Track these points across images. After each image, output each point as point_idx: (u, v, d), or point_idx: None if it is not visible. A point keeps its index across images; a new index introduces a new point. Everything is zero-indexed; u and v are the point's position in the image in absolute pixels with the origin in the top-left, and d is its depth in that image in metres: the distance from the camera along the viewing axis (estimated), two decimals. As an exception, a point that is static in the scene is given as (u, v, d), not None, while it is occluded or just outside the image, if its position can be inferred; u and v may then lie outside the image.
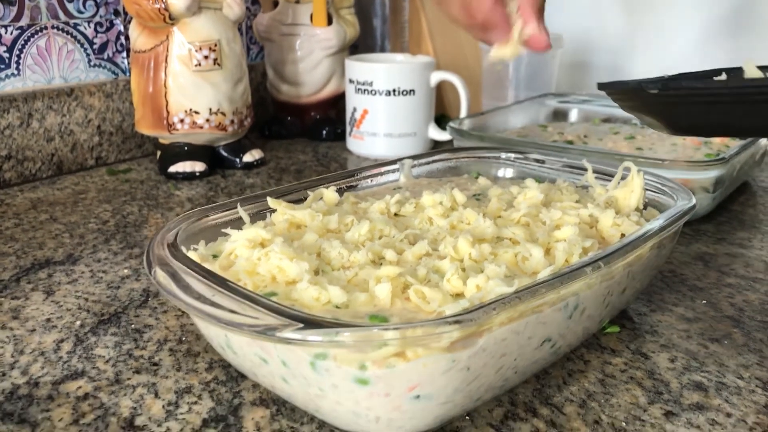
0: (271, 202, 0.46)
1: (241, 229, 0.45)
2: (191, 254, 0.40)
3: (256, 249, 0.39)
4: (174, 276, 0.35)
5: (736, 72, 0.46)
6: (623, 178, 0.50)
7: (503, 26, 0.51)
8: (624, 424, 0.37)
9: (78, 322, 0.47)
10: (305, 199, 0.49)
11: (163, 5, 0.73)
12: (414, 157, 0.56)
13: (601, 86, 0.45)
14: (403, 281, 0.36)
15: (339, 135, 0.97)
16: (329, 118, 0.98)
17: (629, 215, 0.45)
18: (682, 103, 0.41)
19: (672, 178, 0.62)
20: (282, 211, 0.45)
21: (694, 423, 0.37)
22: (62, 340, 0.45)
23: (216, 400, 0.39)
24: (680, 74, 0.46)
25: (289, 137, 0.99)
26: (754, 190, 0.76)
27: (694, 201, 0.45)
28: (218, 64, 0.77)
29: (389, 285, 0.35)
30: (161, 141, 0.81)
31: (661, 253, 0.44)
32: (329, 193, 0.49)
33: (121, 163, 0.86)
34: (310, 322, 0.30)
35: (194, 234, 0.43)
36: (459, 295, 0.36)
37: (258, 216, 0.47)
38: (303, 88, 0.96)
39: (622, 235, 0.43)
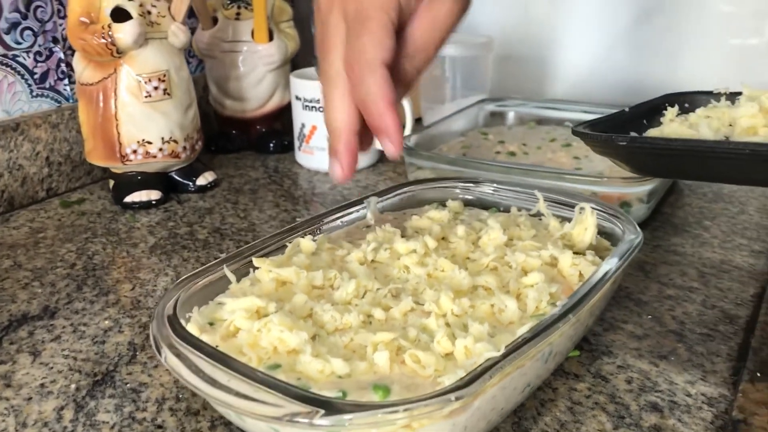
0: (256, 261, 0.48)
1: (228, 289, 0.48)
2: (191, 327, 0.42)
3: (254, 320, 0.42)
4: (185, 360, 0.37)
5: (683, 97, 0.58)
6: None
7: (394, 130, 0.44)
8: (595, 452, 0.42)
9: (73, 386, 0.49)
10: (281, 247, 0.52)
11: (109, 40, 0.73)
12: (378, 194, 0.60)
13: (576, 133, 0.52)
14: (397, 345, 0.40)
15: (286, 147, 0.99)
16: (275, 131, 1.00)
17: (584, 253, 0.50)
18: (644, 153, 0.49)
19: (610, 192, 0.68)
20: (267, 270, 0.48)
21: (655, 445, 0.42)
22: (62, 408, 0.47)
23: (226, 460, 0.42)
24: (637, 106, 0.55)
25: (235, 151, 1.00)
26: (681, 189, 0.83)
27: (641, 235, 0.50)
28: (168, 94, 0.78)
29: (387, 353, 0.38)
30: (114, 170, 0.81)
31: (615, 285, 0.49)
32: (306, 243, 0.52)
33: (73, 193, 0.85)
34: (331, 407, 0.33)
35: (185, 301, 0.45)
36: (449, 355, 0.39)
37: (241, 271, 0.49)
38: (247, 103, 0.97)
39: (581, 274, 0.48)
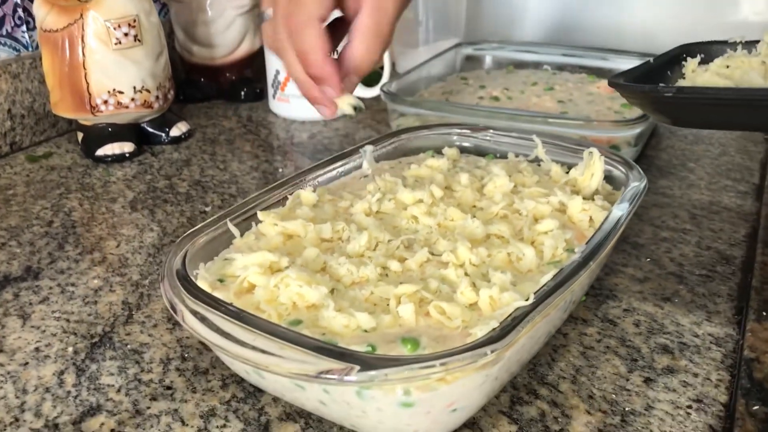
0: (261, 215, 0.46)
1: (232, 244, 0.46)
2: (201, 284, 0.40)
3: (268, 275, 0.40)
4: (205, 320, 0.36)
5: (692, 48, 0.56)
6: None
7: (334, 80, 0.48)
8: (614, 396, 0.42)
9: (70, 349, 0.47)
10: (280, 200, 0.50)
11: (75, -18, 0.68)
12: (373, 143, 0.58)
13: (613, 85, 0.50)
14: (420, 297, 0.39)
15: (258, 95, 0.95)
16: (246, 79, 0.96)
17: (593, 198, 0.49)
18: (690, 104, 0.47)
19: (599, 136, 0.67)
20: (272, 223, 0.46)
21: (670, 387, 0.43)
22: (62, 372, 0.45)
23: (243, 420, 0.41)
24: (658, 57, 0.53)
25: (205, 100, 0.97)
26: (661, 132, 0.83)
27: (646, 180, 0.50)
28: (139, 41, 0.74)
29: (411, 305, 0.37)
30: (82, 122, 0.77)
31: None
32: (307, 195, 0.50)
33: (38, 147, 0.81)
34: (366, 363, 0.32)
35: (189, 259, 0.43)
36: (473, 305, 0.39)
37: (241, 226, 0.47)
38: (216, 50, 0.93)
39: (591, 219, 0.48)
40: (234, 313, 0.36)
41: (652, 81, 0.52)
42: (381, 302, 0.39)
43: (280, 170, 0.74)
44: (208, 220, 0.46)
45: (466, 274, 0.41)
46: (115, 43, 0.73)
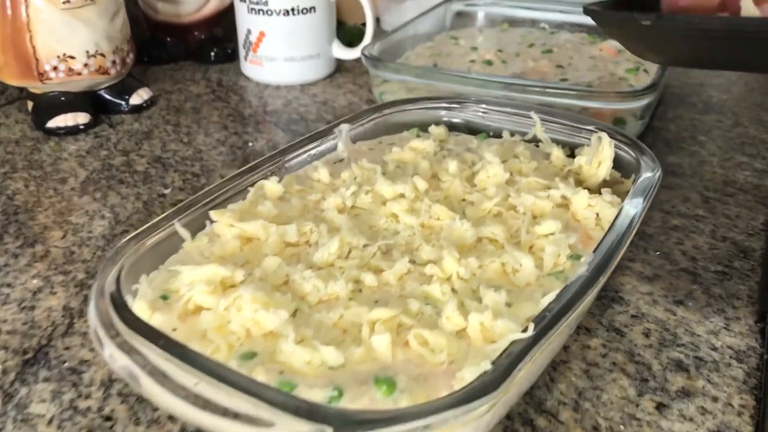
0: (214, 215, 0.40)
1: (182, 248, 0.40)
2: (139, 305, 0.34)
3: (219, 294, 0.34)
4: (137, 359, 0.30)
5: None
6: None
7: None
8: (622, 427, 0.37)
9: (-1, 368, 0.41)
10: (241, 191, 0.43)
11: (12, -67, 0.60)
12: (349, 120, 0.51)
13: (589, 12, 0.43)
14: (397, 321, 0.33)
15: (230, 56, 0.88)
16: (216, 38, 0.88)
17: (600, 191, 0.43)
18: (673, 36, 0.40)
19: (602, 108, 0.60)
20: (228, 224, 0.39)
21: (686, 415, 0.37)
22: (-13, 398, 0.39)
23: (193, 461, 0.35)
24: None
25: (171, 61, 0.89)
26: (668, 99, 0.76)
27: (660, 168, 0.43)
28: (90, -1, 0.66)
29: (388, 336, 0.31)
30: (32, 90, 0.69)
31: (632, 227, 0.43)
32: (271, 187, 0.44)
33: (-16, 116, 0.74)
34: (340, 424, 0.26)
35: (130, 269, 0.37)
36: (461, 332, 0.33)
37: (195, 223, 0.41)
38: (183, 7, 0.85)
39: (598, 217, 0.41)
40: (173, 350, 0.30)
41: (639, 7, 0.44)
42: (352, 327, 0.33)
43: (250, 144, 0.67)
44: (152, 222, 0.39)
45: (453, 290, 0.35)
46: (64, 2, 0.64)
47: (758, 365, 0.40)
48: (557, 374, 0.40)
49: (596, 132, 0.47)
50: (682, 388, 0.39)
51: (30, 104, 0.71)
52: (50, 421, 0.37)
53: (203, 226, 0.41)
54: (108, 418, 0.37)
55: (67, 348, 0.42)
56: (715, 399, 0.38)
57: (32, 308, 0.45)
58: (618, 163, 0.47)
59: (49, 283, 0.48)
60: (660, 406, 0.38)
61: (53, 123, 0.69)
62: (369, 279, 0.36)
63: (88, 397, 0.39)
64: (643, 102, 0.61)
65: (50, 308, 0.46)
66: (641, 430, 0.36)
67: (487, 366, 0.28)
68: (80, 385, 0.39)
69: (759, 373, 0.40)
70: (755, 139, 0.67)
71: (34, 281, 0.48)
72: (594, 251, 0.36)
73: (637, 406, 0.38)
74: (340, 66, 0.86)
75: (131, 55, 0.73)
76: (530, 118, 0.51)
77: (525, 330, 0.30)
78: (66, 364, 0.41)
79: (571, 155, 0.49)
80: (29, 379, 0.40)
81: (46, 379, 0.40)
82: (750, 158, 0.63)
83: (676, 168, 0.62)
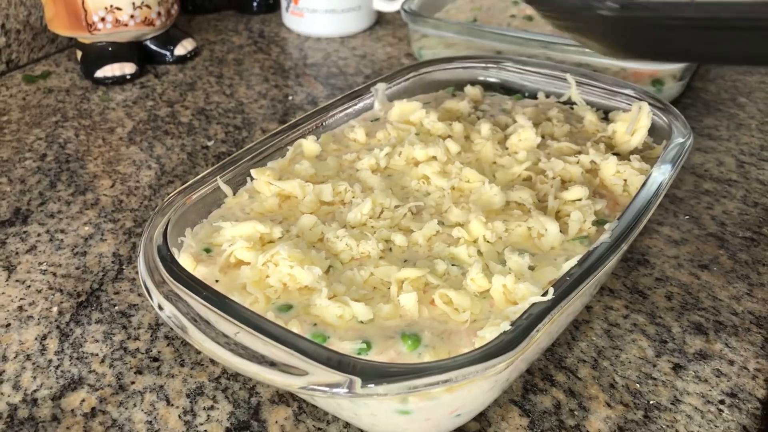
0: (255, 173, 0.42)
1: (224, 203, 0.42)
2: (184, 257, 0.37)
3: (258, 249, 0.36)
4: (183, 309, 0.32)
5: None
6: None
7: None
8: (638, 386, 0.38)
9: (55, 309, 0.44)
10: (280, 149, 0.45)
11: None
12: (387, 80, 0.52)
13: (530, 1, 0.35)
14: (424, 281, 0.35)
15: (272, 6, 0.89)
16: (259, -12, 0.89)
17: (628, 157, 0.43)
18: (640, 28, 0.33)
19: (641, 68, 0.60)
20: (267, 183, 0.41)
21: (702, 376, 0.39)
22: (45, 336, 0.42)
23: (232, 401, 0.38)
24: None
25: (215, 11, 0.90)
26: (711, 58, 0.75)
27: (691, 135, 0.44)
28: (136, -50, 0.67)
29: (415, 294, 0.33)
30: (81, 40, 0.72)
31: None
32: (309, 145, 0.45)
33: (36, 64, 0.76)
34: (367, 375, 0.28)
35: (176, 222, 0.39)
36: (485, 293, 0.34)
37: (236, 179, 0.43)
38: (227, -44, 0.86)
39: (626, 183, 0.42)
40: (215, 301, 0.32)
41: None
42: (381, 285, 0.35)
43: (290, 98, 0.69)
44: (196, 178, 0.41)
45: (479, 252, 0.37)
46: (110, -46, 0.66)
47: (777, 331, 0.42)
48: (579, 333, 0.42)
49: (635, 99, 0.47)
50: (699, 351, 0.40)
51: (79, 54, 0.73)
52: (103, 360, 0.40)
53: (244, 182, 0.43)
54: (155, 359, 0.40)
55: (116, 293, 0.45)
56: (731, 362, 0.40)
57: (84, 254, 0.48)
58: (650, 129, 0.47)
59: (100, 230, 0.51)
60: (676, 367, 0.39)
61: (101, 72, 0.71)
62: (399, 239, 0.38)
63: (137, 339, 0.42)
64: (681, 63, 0.60)
65: (101, 254, 0.48)
66: (656, 389, 0.38)
67: (506, 326, 0.30)
68: (129, 328, 0.42)
69: (777, 339, 0.41)
70: (797, 102, 0.66)
71: (86, 228, 0.51)
72: (619, 218, 0.37)
73: (654, 366, 0.39)
74: (381, 18, 0.86)
75: (176, 7, 0.75)
76: (566, 81, 0.51)
77: (545, 293, 0.32)
78: (116, 308, 0.44)
79: (605, 118, 0.49)
80: (83, 320, 0.43)
81: (99, 321, 0.43)
82: (790, 122, 0.63)
83: (713, 131, 0.62)
